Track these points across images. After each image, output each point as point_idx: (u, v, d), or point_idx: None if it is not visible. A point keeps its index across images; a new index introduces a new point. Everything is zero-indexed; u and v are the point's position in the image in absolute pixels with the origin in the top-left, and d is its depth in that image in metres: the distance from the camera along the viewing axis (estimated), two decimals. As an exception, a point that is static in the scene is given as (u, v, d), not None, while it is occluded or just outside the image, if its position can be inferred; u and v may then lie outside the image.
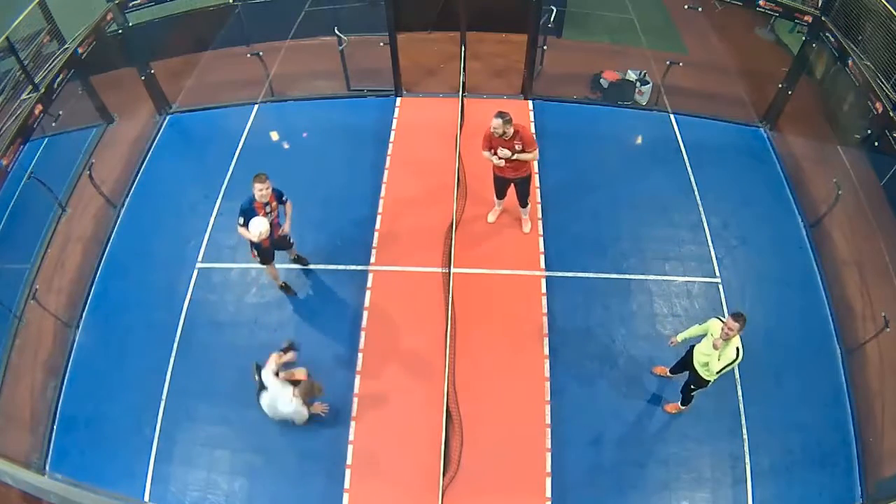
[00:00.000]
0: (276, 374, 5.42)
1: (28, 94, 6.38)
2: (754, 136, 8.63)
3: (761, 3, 7.49)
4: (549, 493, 5.58)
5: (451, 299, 6.20)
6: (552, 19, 8.80)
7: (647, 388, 6.20)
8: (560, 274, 7.00)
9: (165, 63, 8.64)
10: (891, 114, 6.27)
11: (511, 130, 6.05)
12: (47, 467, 5.81)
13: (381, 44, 8.36)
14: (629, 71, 9.06)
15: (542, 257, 7.13)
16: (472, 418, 5.91)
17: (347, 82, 8.96)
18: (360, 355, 6.37)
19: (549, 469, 5.70)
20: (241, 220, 5.71)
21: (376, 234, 7.30)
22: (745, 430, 5.94)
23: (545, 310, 6.70)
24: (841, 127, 7.81)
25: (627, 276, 6.99)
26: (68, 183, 7.56)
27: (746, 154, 8.38)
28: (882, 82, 6.44)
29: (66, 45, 6.98)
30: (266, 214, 5.75)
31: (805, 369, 6.34)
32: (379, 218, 7.45)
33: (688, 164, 8.08)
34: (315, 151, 8.25)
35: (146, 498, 5.58)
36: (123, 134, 8.41)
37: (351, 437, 5.86)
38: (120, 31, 7.73)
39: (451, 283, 6.25)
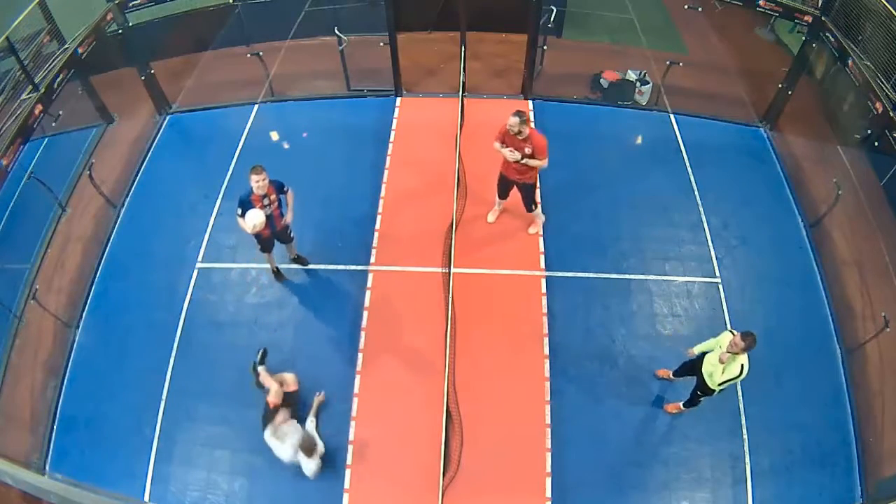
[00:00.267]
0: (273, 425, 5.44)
1: (28, 94, 6.38)
2: (754, 136, 8.63)
3: (761, 3, 7.49)
4: (549, 493, 5.58)
5: (451, 299, 6.19)
6: (552, 19, 8.80)
7: (648, 389, 6.20)
8: (560, 274, 7.00)
9: (165, 63, 8.64)
10: (891, 114, 6.28)
11: (526, 131, 6.02)
12: (47, 467, 5.81)
13: (381, 44, 8.36)
14: (629, 71, 9.06)
15: (542, 257, 7.13)
16: (472, 418, 5.91)
17: (347, 82, 8.96)
18: (360, 355, 6.37)
19: (549, 469, 5.70)
20: (239, 212, 5.78)
21: (376, 234, 7.30)
22: (745, 430, 5.94)
23: (545, 310, 6.70)
24: (841, 127, 7.81)
25: (627, 276, 6.99)
26: (68, 183, 7.56)
27: (746, 154, 8.38)
28: (882, 82, 6.44)
29: (66, 45, 6.98)
30: (264, 207, 5.79)
31: (805, 369, 6.34)
32: (379, 218, 7.45)
33: (688, 164, 8.08)
34: (315, 151, 8.25)
35: (146, 498, 5.58)
36: (123, 134, 8.42)
37: (351, 437, 5.86)
38: (120, 31, 7.73)
39: (451, 283, 6.25)
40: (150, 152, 8.38)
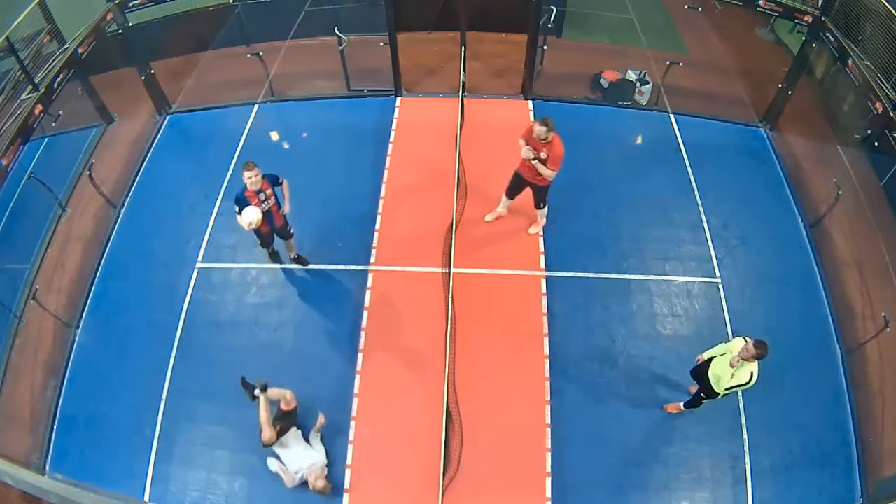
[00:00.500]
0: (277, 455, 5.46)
1: (28, 94, 6.37)
2: (754, 136, 8.63)
3: (761, 3, 7.49)
4: (549, 493, 5.58)
5: (451, 299, 6.19)
6: (552, 19, 8.80)
7: (647, 389, 6.20)
8: (560, 274, 7.00)
9: (165, 63, 8.64)
10: (891, 114, 6.28)
11: (549, 137, 5.99)
12: (47, 467, 5.81)
13: (381, 44, 8.35)
14: (629, 71, 9.06)
15: (542, 257, 7.13)
16: (472, 418, 5.91)
17: (347, 82, 8.96)
18: (360, 355, 6.37)
19: (549, 469, 5.71)
20: (237, 209, 5.80)
21: (376, 234, 7.30)
22: (745, 430, 5.95)
23: (545, 310, 6.70)
24: (841, 127, 7.81)
25: (627, 276, 6.99)
26: (68, 183, 7.55)
27: (746, 154, 8.38)
28: (882, 82, 6.44)
29: (66, 45, 6.98)
30: (260, 202, 5.81)
31: (805, 369, 6.34)
32: (379, 218, 7.45)
33: (688, 164, 8.08)
34: (315, 151, 8.25)
35: (146, 498, 5.58)
36: (123, 134, 8.41)
37: (351, 437, 5.86)
38: (120, 31, 7.72)
39: (451, 283, 6.25)
40: (150, 152, 8.38)
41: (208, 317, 6.70)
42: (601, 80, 9.09)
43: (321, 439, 5.65)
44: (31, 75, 6.40)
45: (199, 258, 7.14)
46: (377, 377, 6.23)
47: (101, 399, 6.15)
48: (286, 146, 8.57)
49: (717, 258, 7.15)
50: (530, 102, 8.86)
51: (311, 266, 7.01)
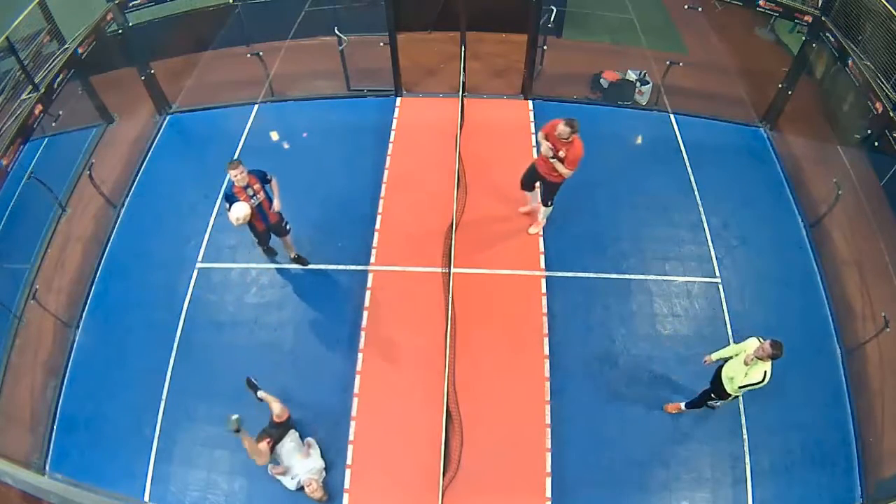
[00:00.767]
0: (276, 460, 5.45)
1: (28, 94, 6.37)
2: (754, 136, 8.63)
3: (761, 3, 7.49)
4: (549, 493, 5.58)
5: (451, 299, 6.19)
6: (552, 19, 8.80)
7: (647, 388, 6.20)
8: (560, 274, 7.00)
9: (165, 63, 8.64)
10: (891, 114, 6.28)
11: (571, 139, 6.02)
12: (47, 467, 5.81)
13: (381, 44, 8.35)
14: (629, 71, 9.06)
15: (542, 257, 7.13)
16: (472, 418, 5.91)
17: (347, 82, 8.96)
18: (360, 355, 6.37)
19: (549, 469, 5.71)
20: (227, 206, 5.85)
21: (376, 234, 7.30)
22: (745, 430, 5.95)
23: (545, 310, 6.70)
24: (841, 127, 7.81)
25: (627, 276, 6.99)
26: (68, 183, 7.56)
27: (746, 154, 8.38)
28: (882, 82, 6.44)
29: (66, 45, 6.98)
30: (249, 198, 5.85)
31: (805, 369, 6.33)
32: (379, 218, 7.45)
33: (688, 164, 8.08)
34: (315, 151, 8.25)
35: (146, 498, 5.58)
36: (123, 134, 8.41)
37: (351, 437, 5.86)
38: (120, 31, 7.72)
39: (451, 283, 6.25)
40: (150, 152, 8.38)
41: (208, 317, 6.70)
42: (601, 80, 9.09)
43: (318, 443, 5.67)
44: (31, 75, 6.40)
45: (199, 258, 7.14)
46: (377, 377, 6.23)
47: (101, 399, 6.15)
48: (286, 146, 8.57)
49: (717, 258, 7.15)
50: (530, 102, 8.86)
51: (311, 266, 7.01)
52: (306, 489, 5.31)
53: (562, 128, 5.93)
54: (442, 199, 7.24)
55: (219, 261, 7.13)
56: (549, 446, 5.82)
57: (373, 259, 7.10)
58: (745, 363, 4.94)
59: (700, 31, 9.32)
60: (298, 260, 6.96)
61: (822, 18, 7.26)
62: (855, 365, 6.32)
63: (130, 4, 7.58)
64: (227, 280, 6.99)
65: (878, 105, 6.45)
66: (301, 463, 5.39)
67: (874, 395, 6.02)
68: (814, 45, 7.62)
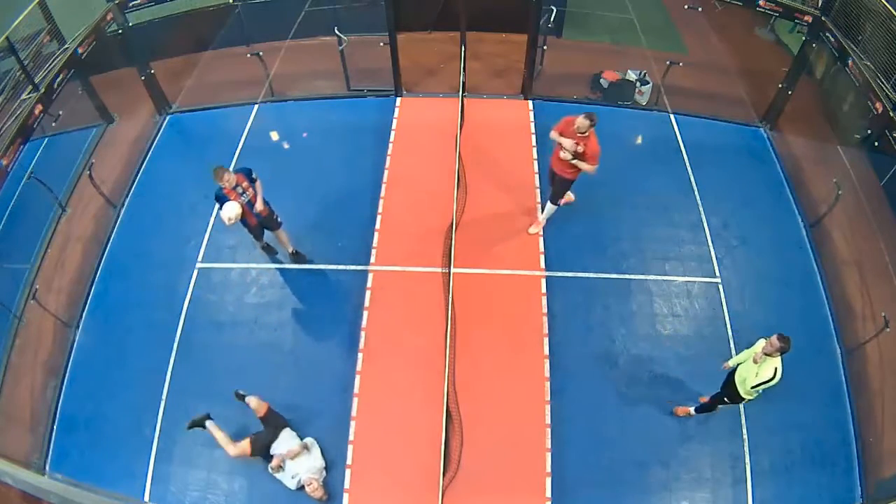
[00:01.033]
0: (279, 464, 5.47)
1: (28, 94, 6.38)
2: (754, 136, 8.63)
3: (761, 3, 7.49)
4: (549, 493, 5.58)
5: (451, 299, 6.20)
6: (552, 19, 8.81)
7: (647, 388, 6.20)
8: (560, 274, 7.00)
9: (165, 63, 8.64)
10: (891, 114, 6.28)
11: (588, 133, 6.07)
12: (47, 467, 5.81)
13: (381, 44, 8.36)
14: (629, 71, 9.06)
15: (542, 257, 7.13)
16: (472, 418, 5.91)
17: (347, 82, 8.96)
18: (360, 355, 6.36)
19: (549, 469, 5.71)
20: (218, 206, 5.93)
21: (376, 234, 7.30)
22: (745, 430, 5.95)
23: (545, 310, 6.70)
24: (841, 127, 7.81)
25: (627, 276, 6.99)
26: (68, 183, 7.56)
27: (746, 154, 8.38)
28: (882, 82, 6.45)
29: (66, 45, 6.98)
30: (239, 196, 5.93)
31: (805, 369, 6.31)
32: (379, 218, 7.45)
33: (688, 164, 8.08)
34: (315, 151, 8.25)
35: (146, 498, 5.58)
36: (123, 134, 8.42)
37: (351, 437, 5.86)
38: (120, 31, 7.73)
39: (451, 283, 6.25)
40: (150, 152, 8.38)
41: (208, 317, 6.70)
42: (601, 80, 9.09)
43: (318, 443, 5.67)
44: (31, 75, 6.41)
45: (199, 258, 7.14)
46: (377, 377, 6.23)
47: (101, 399, 6.15)
48: (286, 146, 8.57)
49: (717, 258, 7.15)
50: (530, 102, 8.86)
51: (311, 266, 7.01)
52: (307, 488, 5.32)
53: (581, 121, 6.00)
54: (442, 198, 7.24)
55: (219, 261, 7.13)
56: (549, 446, 5.82)
57: (373, 259, 7.10)
58: (755, 361, 4.94)
59: (700, 31, 9.32)
60: (297, 256, 6.96)
61: (822, 18, 7.26)
62: (855, 365, 6.32)
63: (130, 4, 7.59)
64: (227, 280, 6.99)
65: (878, 105, 6.46)
66: (300, 460, 5.38)
67: (874, 395, 6.03)
68: (814, 45, 7.62)
